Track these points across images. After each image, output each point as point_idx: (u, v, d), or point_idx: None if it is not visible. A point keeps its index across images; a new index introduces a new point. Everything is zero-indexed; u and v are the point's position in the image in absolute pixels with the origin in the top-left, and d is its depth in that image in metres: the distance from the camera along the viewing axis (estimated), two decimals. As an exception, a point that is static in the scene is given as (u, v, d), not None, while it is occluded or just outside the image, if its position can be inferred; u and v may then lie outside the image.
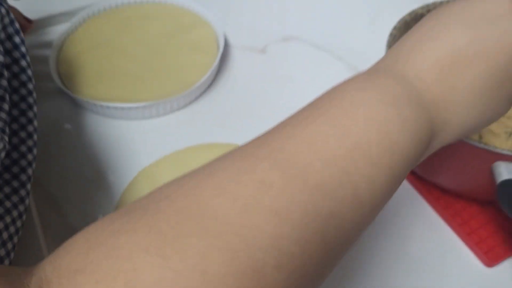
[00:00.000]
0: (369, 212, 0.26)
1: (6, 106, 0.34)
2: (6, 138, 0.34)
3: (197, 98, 0.57)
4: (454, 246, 0.45)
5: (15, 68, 0.37)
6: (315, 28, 0.67)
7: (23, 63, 0.37)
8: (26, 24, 0.54)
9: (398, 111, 0.26)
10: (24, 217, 0.36)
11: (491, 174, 0.40)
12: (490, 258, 0.43)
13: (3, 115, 0.35)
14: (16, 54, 0.37)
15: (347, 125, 0.25)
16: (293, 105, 0.56)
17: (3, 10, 0.35)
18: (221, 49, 0.58)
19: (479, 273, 0.43)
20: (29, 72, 0.38)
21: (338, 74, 0.61)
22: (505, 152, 0.39)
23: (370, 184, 0.25)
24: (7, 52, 0.36)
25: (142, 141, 0.53)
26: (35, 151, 0.39)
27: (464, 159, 0.42)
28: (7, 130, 0.35)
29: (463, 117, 0.29)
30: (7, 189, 0.36)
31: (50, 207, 0.48)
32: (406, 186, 0.49)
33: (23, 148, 0.38)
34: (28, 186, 0.37)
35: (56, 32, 0.61)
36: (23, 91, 0.37)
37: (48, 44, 0.60)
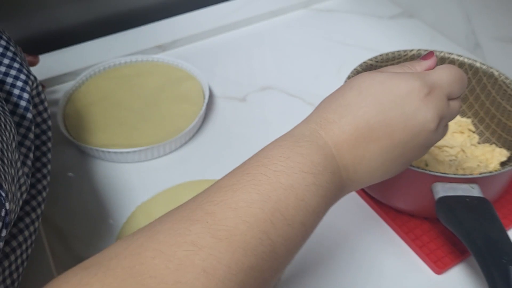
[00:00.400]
0: (285, 260, 0.31)
1: (31, 155, 0.42)
2: (29, 181, 0.41)
3: (186, 142, 0.65)
4: (408, 258, 0.52)
5: (39, 119, 0.45)
6: (288, 78, 0.76)
7: (45, 115, 0.46)
8: (42, 87, 0.63)
9: (315, 179, 0.33)
10: (29, 251, 0.42)
11: (432, 194, 0.48)
12: (439, 267, 0.50)
13: (29, 163, 0.42)
14: (41, 107, 0.45)
15: (269, 192, 0.30)
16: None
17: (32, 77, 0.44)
18: (206, 99, 0.67)
19: (431, 280, 0.50)
20: (49, 122, 0.46)
21: (308, 117, 0.70)
22: (439, 174, 0.47)
23: (285, 240, 0.31)
24: (34, 106, 0.45)
25: (139, 181, 0.61)
26: (45, 193, 0.46)
27: (411, 184, 0.50)
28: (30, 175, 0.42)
29: (367, 178, 0.37)
30: (21, 225, 0.41)
31: (60, 241, 0.55)
32: (367, 209, 0.57)
33: (38, 187, 0.46)
34: (37, 223, 0.43)
35: (62, 90, 0.70)
36: (44, 137, 0.46)
37: (55, 101, 0.69)
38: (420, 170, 0.47)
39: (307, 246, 0.53)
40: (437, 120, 0.37)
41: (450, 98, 0.39)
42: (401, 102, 0.36)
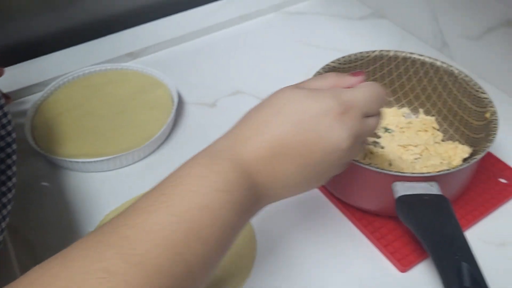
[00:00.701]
0: (202, 277, 0.32)
1: None
2: None
3: (156, 149, 0.66)
4: (374, 257, 0.53)
5: (3, 132, 0.45)
6: (259, 82, 0.77)
7: (9, 128, 0.46)
8: (6, 99, 0.63)
9: (230, 197, 0.33)
10: None
11: (392, 192, 0.49)
12: (403, 265, 0.51)
13: None
14: (4, 120, 0.45)
15: (183, 213, 0.31)
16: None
17: None
18: (175, 106, 0.68)
19: (396, 278, 0.51)
20: (14, 135, 0.46)
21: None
22: (398, 173, 0.48)
23: (200, 258, 0.31)
24: None
25: (109, 189, 0.61)
26: (10, 206, 0.46)
27: (372, 184, 0.51)
28: None
29: (283, 193, 0.39)
30: None
31: (29, 253, 0.55)
32: (333, 210, 0.57)
33: (3, 200, 0.46)
34: (1, 237, 0.43)
35: (30, 101, 0.70)
36: (9, 150, 0.45)
37: (23, 112, 0.69)
38: (379, 170, 0.48)
39: (273, 247, 0.54)
40: (352, 139, 0.38)
41: (367, 116, 0.40)
42: (317, 122, 0.37)
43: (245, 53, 0.83)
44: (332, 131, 0.37)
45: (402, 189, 0.48)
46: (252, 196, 0.35)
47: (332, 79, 0.42)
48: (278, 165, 0.36)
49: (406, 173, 0.47)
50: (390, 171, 0.48)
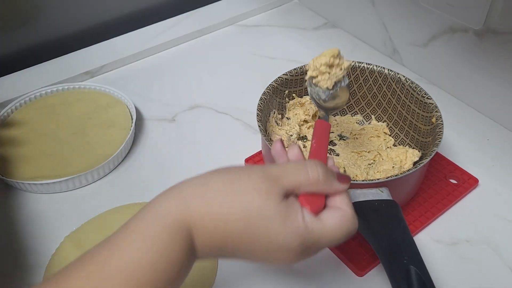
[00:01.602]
0: None
1: None
2: None
3: (116, 167, 0.66)
4: (332, 262, 0.54)
5: None
6: (216, 96, 0.78)
7: None
8: None
9: (172, 259, 0.33)
10: None
11: (345, 200, 0.50)
12: (361, 269, 0.53)
13: None
14: None
15: (109, 279, 0.32)
16: (201, 162, 0.65)
17: None
18: (133, 123, 0.68)
19: (354, 282, 0.53)
20: None
21: (238, 132, 0.72)
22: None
23: None
24: None
25: (68, 210, 0.61)
26: None
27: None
28: None
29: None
30: None
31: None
32: (292, 219, 0.59)
33: None
34: None
35: (-15, 125, 0.69)
36: None
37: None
38: (331, 178, 0.49)
39: (233, 263, 0.54)
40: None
41: None
42: (274, 248, 0.35)
43: (203, 68, 0.84)
44: (285, 252, 0.36)
45: (353, 196, 0.49)
46: (193, 258, 0.35)
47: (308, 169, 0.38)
48: (220, 242, 0.35)
49: (357, 180, 0.49)
50: (341, 179, 0.49)
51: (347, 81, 0.54)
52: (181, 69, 0.84)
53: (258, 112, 0.57)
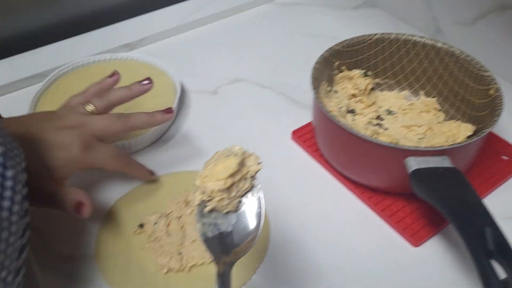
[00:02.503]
0: None
1: None
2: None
3: (161, 136, 0.66)
4: (386, 233, 0.54)
5: None
6: (258, 70, 0.77)
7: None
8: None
9: None
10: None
11: (405, 168, 0.50)
12: (416, 239, 0.52)
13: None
14: None
15: None
16: (243, 136, 0.65)
17: None
18: (178, 93, 0.67)
19: (409, 253, 0.52)
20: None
21: (281, 105, 0.71)
22: (411, 147, 0.49)
23: None
24: None
25: (115, 176, 0.60)
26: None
27: (384, 160, 0.52)
28: None
29: None
30: None
31: (39, 238, 0.53)
32: (344, 191, 0.58)
33: None
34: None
35: (30, 92, 0.68)
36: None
37: (24, 103, 0.68)
38: (392, 145, 0.49)
39: (285, 230, 0.54)
40: None
41: None
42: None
43: (242, 43, 0.83)
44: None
45: (415, 163, 0.49)
46: None
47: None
48: None
49: (420, 147, 0.48)
50: (403, 146, 0.49)
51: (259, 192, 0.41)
52: (221, 44, 0.83)
53: (313, 80, 0.57)
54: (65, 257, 0.52)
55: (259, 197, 0.40)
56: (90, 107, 0.53)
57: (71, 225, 0.55)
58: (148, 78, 0.58)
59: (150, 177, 0.58)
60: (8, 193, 0.36)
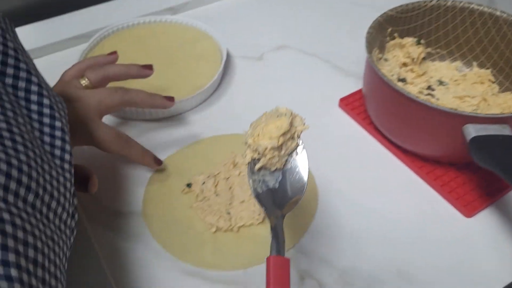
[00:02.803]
0: None
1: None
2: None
3: (206, 99, 0.65)
4: (438, 203, 0.53)
5: None
6: (303, 38, 0.76)
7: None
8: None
9: None
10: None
11: (463, 136, 0.48)
12: (469, 210, 0.51)
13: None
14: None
15: None
16: (286, 101, 0.65)
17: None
18: (224, 57, 0.67)
19: (462, 223, 0.51)
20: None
21: (327, 73, 0.70)
22: (471, 114, 0.47)
23: None
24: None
25: (160, 137, 0.60)
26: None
27: (441, 127, 0.50)
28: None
29: None
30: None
31: (87, 195, 0.53)
32: (393, 160, 0.57)
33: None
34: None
35: (76, 52, 0.68)
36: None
37: (69, 62, 0.68)
38: (453, 111, 0.47)
39: (332, 198, 0.53)
40: None
41: None
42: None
43: (288, 10, 0.82)
44: None
45: (474, 130, 0.47)
46: None
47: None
48: None
49: (481, 114, 0.47)
50: (464, 112, 0.47)
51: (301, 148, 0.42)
52: (265, 10, 0.82)
53: (367, 44, 0.55)
54: (113, 213, 0.52)
55: (303, 155, 0.41)
56: (84, 81, 0.50)
57: (118, 183, 0.55)
58: (149, 66, 0.56)
59: (155, 166, 0.54)
60: (58, 143, 0.36)
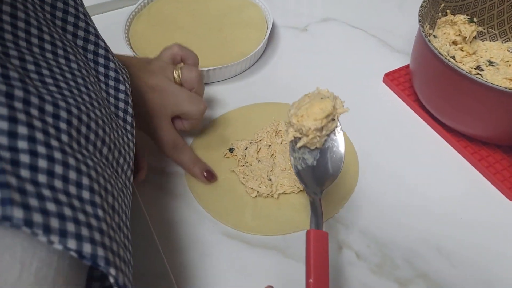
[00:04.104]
0: None
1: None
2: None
3: (250, 66, 0.65)
4: (482, 185, 0.52)
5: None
6: (349, 10, 0.75)
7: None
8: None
9: None
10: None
11: (514, 116, 0.47)
12: (513, 192, 0.50)
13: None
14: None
15: None
16: (330, 74, 0.64)
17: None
18: (270, 25, 0.66)
19: (505, 205, 0.50)
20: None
21: (373, 47, 0.69)
22: (526, 95, 0.46)
23: None
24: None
25: (208, 102, 0.60)
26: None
27: (492, 106, 0.49)
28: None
29: None
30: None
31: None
32: (437, 138, 0.56)
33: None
34: None
35: (124, 12, 0.69)
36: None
37: (118, 23, 0.68)
38: (507, 89, 0.46)
39: (373, 173, 0.53)
40: None
41: None
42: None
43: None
44: None
45: (525, 112, 0.46)
46: None
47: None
48: None
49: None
50: (518, 92, 0.46)
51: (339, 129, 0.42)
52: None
53: (420, 18, 0.54)
54: (157, 171, 0.53)
55: (341, 135, 0.42)
56: (177, 74, 0.50)
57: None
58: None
59: (203, 179, 0.51)
60: (122, 105, 0.38)
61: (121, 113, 0.37)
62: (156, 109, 0.47)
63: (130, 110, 0.38)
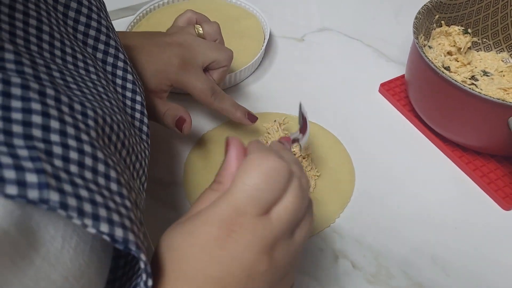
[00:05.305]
0: None
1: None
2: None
3: (247, 76, 0.66)
4: (477, 194, 0.52)
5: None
6: (346, 20, 0.75)
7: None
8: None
9: None
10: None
11: (508, 127, 0.48)
12: (508, 202, 0.51)
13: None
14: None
15: None
16: (327, 84, 0.64)
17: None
18: (267, 36, 0.67)
19: (499, 215, 0.51)
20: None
21: (369, 57, 0.70)
22: (519, 106, 0.46)
23: None
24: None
25: (202, 112, 0.61)
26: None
27: (485, 117, 0.50)
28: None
29: None
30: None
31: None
32: (431, 147, 0.57)
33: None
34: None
35: (123, 23, 0.70)
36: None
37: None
38: (500, 101, 0.47)
39: (368, 183, 0.53)
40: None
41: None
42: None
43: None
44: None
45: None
46: None
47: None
48: None
49: (527, 104, 0.46)
50: (511, 102, 0.47)
51: None
52: (308, -8, 0.82)
53: (414, 30, 0.55)
54: (154, 182, 0.53)
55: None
56: (198, 30, 0.54)
57: (161, 152, 0.56)
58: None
59: (247, 122, 0.53)
60: (138, 115, 0.39)
61: (137, 123, 0.39)
62: (188, 62, 0.49)
63: (145, 120, 0.39)
